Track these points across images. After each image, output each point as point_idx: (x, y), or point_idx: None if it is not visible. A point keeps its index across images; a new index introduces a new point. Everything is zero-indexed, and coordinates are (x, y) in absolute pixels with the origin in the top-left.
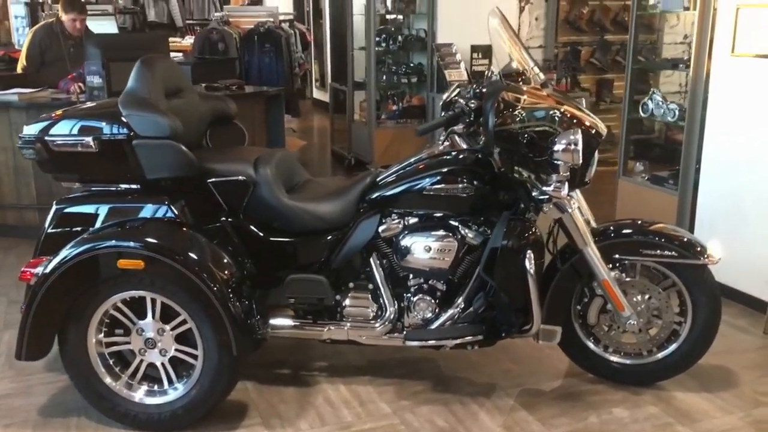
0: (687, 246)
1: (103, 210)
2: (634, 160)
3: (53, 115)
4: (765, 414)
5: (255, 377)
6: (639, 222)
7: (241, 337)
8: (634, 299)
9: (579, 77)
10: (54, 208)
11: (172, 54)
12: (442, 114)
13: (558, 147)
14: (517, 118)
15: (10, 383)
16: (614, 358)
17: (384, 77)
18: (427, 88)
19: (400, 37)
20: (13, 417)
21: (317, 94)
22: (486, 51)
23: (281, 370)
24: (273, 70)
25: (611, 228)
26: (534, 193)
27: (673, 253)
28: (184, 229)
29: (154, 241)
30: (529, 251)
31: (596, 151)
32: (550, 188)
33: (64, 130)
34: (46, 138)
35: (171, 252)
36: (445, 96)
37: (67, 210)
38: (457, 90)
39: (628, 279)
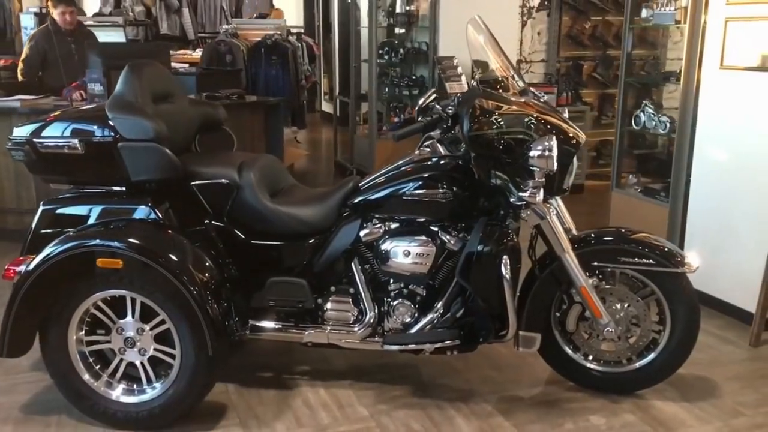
0: (665, 254)
1: (87, 211)
2: (628, 173)
3: (42, 118)
4: (743, 424)
5: (236, 379)
6: (620, 230)
7: (218, 339)
8: (613, 307)
9: (581, 92)
10: (41, 208)
11: (180, 65)
12: (419, 119)
13: (533, 153)
14: (493, 125)
15: None
16: (593, 366)
17: (386, 89)
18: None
19: (401, 50)
20: None
21: (325, 106)
22: (486, 65)
23: (263, 372)
24: (279, 82)
25: (591, 235)
26: (512, 200)
27: (651, 261)
28: (166, 230)
29: (133, 241)
30: (505, 257)
31: (574, 159)
32: (526, 194)
33: (51, 132)
34: (35, 140)
35: (149, 252)
36: (420, 101)
37: (54, 210)
38: (433, 96)
39: (607, 286)
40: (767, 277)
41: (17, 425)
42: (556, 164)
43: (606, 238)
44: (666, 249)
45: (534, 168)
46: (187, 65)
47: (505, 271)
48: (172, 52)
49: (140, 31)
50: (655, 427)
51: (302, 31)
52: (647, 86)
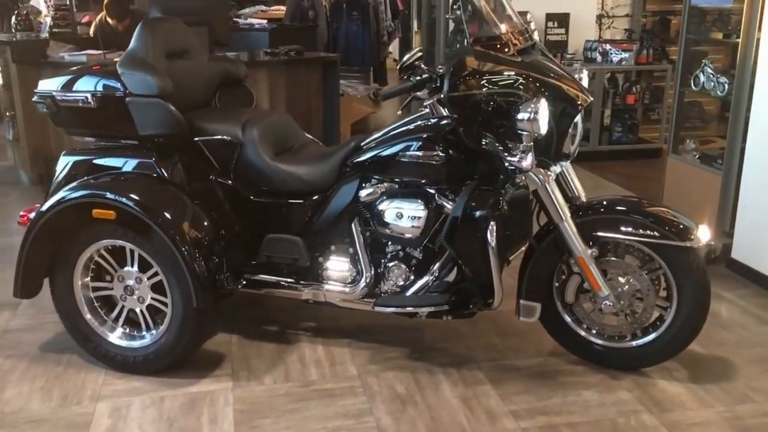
0: (672, 227)
1: (98, 162)
2: (686, 138)
3: (66, 72)
4: (747, 411)
5: (241, 331)
6: (630, 199)
7: (203, 292)
8: (617, 280)
9: (668, 49)
10: (61, 159)
11: (258, 21)
12: (402, 77)
13: (520, 116)
14: (475, 85)
15: (27, 320)
16: (596, 340)
17: (458, 46)
18: None
19: (470, 6)
20: (16, 349)
21: None
22: (562, 19)
23: (269, 326)
24: (359, 38)
25: (599, 203)
26: (505, 164)
27: (655, 233)
28: (164, 185)
29: (126, 194)
30: (492, 223)
31: (578, 123)
32: (516, 159)
33: (70, 86)
34: (54, 93)
35: (140, 205)
36: (405, 58)
37: (71, 161)
38: (419, 54)
39: (613, 258)
40: None
41: (32, 360)
42: (544, 128)
43: (611, 207)
44: (674, 221)
45: (521, 132)
46: (265, 21)
47: (491, 237)
48: (258, 7)
49: None
50: (649, 407)
51: None
52: (710, 43)
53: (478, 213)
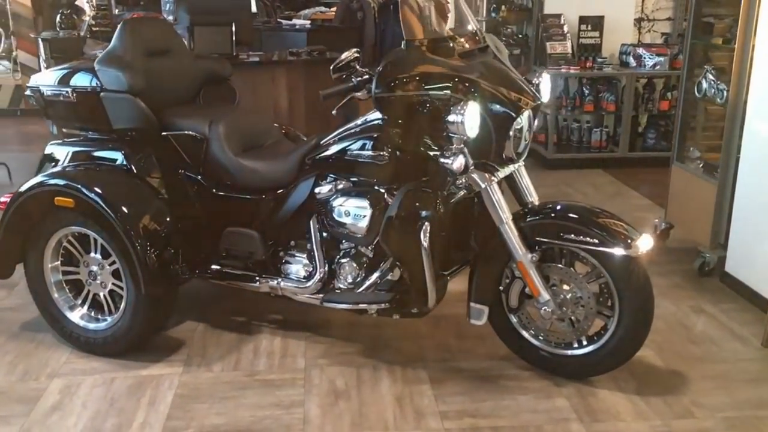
0: (612, 234)
1: (73, 154)
2: (690, 146)
3: (57, 67)
4: (683, 426)
5: (209, 321)
6: (581, 206)
7: (151, 280)
8: (561, 287)
9: (710, 54)
10: (46, 147)
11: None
12: (334, 77)
13: (449, 118)
14: (405, 86)
15: (16, 300)
16: (543, 346)
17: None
18: (531, 61)
19: (503, 7)
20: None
21: None
22: (596, 22)
23: (237, 318)
24: None
25: (549, 208)
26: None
27: (594, 240)
28: (127, 177)
29: (85, 184)
30: (426, 224)
31: (519, 127)
32: (448, 160)
33: (54, 81)
34: (41, 87)
35: (97, 195)
36: (341, 57)
37: (53, 150)
38: (355, 55)
39: (559, 265)
40: None
41: (10, 337)
42: (472, 130)
43: (560, 214)
44: (616, 230)
45: (451, 134)
46: (308, 22)
47: (424, 238)
48: (318, 8)
49: None
50: (582, 416)
51: None
52: (714, 49)
53: (412, 213)
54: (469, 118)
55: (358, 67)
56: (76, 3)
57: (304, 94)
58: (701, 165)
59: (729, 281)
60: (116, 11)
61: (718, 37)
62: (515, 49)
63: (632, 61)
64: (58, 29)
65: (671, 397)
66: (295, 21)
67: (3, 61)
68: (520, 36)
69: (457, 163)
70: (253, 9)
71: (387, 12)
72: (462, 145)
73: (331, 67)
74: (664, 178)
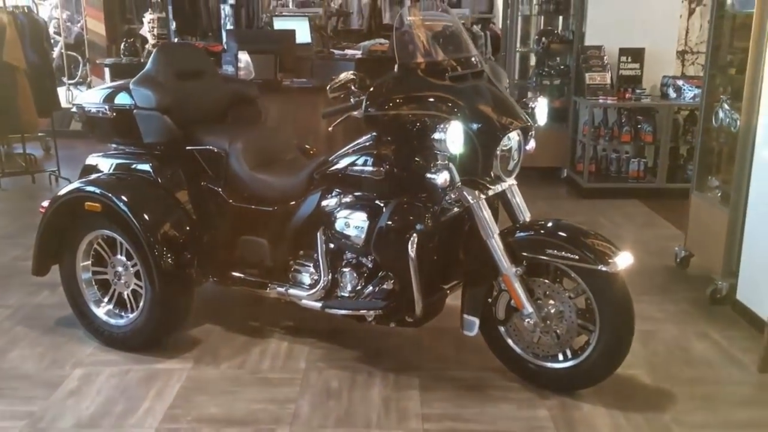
0: (594, 252)
1: (109, 165)
2: (709, 175)
3: (100, 87)
4: None
5: (227, 325)
6: (568, 225)
7: (167, 283)
8: (547, 301)
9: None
10: (87, 158)
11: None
12: (331, 96)
13: (434, 135)
14: (392, 107)
15: (57, 299)
16: (530, 359)
17: (534, 79)
18: (571, 91)
19: (544, 39)
20: (37, 320)
21: None
22: (636, 54)
23: (253, 323)
24: None
25: (539, 226)
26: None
27: (575, 256)
28: (153, 186)
29: (112, 191)
30: (414, 236)
31: (508, 147)
32: (434, 176)
33: (97, 99)
34: (84, 105)
35: (122, 202)
36: (338, 79)
37: (93, 161)
38: (352, 76)
39: (544, 280)
40: None
41: (44, 331)
42: (454, 148)
43: (548, 231)
44: (597, 248)
45: (436, 151)
46: (359, 52)
47: (411, 249)
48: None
49: (365, 22)
50: (559, 426)
51: (488, 18)
52: (731, 79)
53: (401, 225)
54: (451, 136)
55: (353, 87)
56: (140, 32)
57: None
58: (719, 194)
59: (739, 309)
60: (175, 40)
61: (733, 68)
62: (556, 80)
63: (672, 93)
64: (122, 56)
65: (652, 414)
66: (347, 51)
67: (81, 87)
68: (563, 67)
69: (442, 178)
70: (308, 39)
71: None
72: (446, 162)
73: (328, 87)
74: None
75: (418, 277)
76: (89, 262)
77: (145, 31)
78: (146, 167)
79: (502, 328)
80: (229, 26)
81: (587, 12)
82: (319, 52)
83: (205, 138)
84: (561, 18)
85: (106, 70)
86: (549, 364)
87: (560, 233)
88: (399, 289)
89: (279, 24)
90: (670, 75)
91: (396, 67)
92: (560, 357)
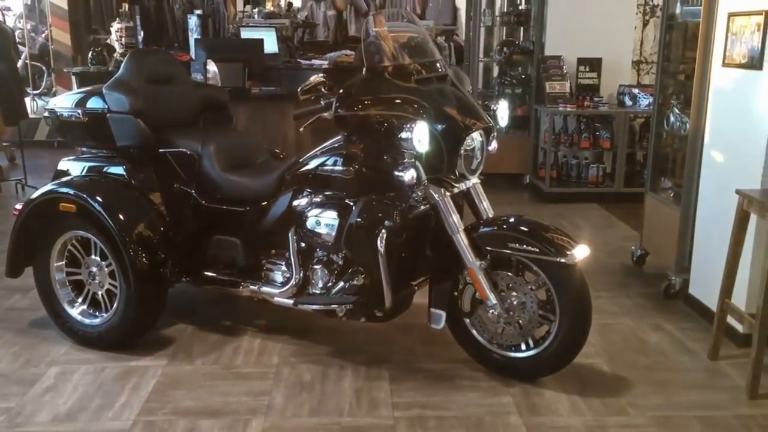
0: (553, 244)
1: (82, 168)
2: (662, 177)
3: (73, 92)
4: (615, 422)
5: (200, 324)
6: (529, 220)
7: (142, 281)
8: (510, 293)
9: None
10: (60, 162)
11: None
12: (301, 98)
13: (401, 135)
14: (362, 106)
15: (30, 302)
16: (494, 349)
17: (497, 88)
18: (532, 100)
19: (506, 49)
20: (11, 322)
21: None
22: (594, 64)
23: (226, 321)
24: None
25: (501, 221)
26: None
27: (535, 249)
28: (126, 188)
29: (86, 192)
30: (383, 231)
31: (471, 146)
32: (401, 173)
33: (69, 103)
34: (56, 109)
35: (97, 203)
36: (308, 81)
37: (66, 165)
38: (322, 79)
39: (507, 273)
40: (723, 286)
41: (18, 332)
42: (421, 146)
43: (510, 226)
44: (556, 241)
45: (403, 150)
46: (325, 62)
47: (380, 244)
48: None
49: (330, 34)
50: (522, 410)
51: (451, 30)
52: (681, 86)
53: (370, 221)
54: (417, 135)
55: (323, 90)
56: (107, 41)
57: (310, 126)
58: (671, 194)
59: (691, 302)
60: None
61: (683, 75)
62: (518, 89)
63: (628, 101)
64: (89, 65)
65: (609, 398)
66: (314, 61)
67: (45, 97)
68: (524, 76)
69: (409, 175)
70: (275, 49)
71: None
72: (413, 160)
73: (299, 89)
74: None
75: (387, 272)
76: (63, 263)
77: (113, 40)
78: (119, 170)
79: (467, 321)
80: (196, 36)
81: (547, 23)
82: (287, 62)
83: (178, 141)
84: (522, 29)
85: (74, 79)
86: (512, 354)
87: (521, 228)
88: (369, 284)
89: (246, 34)
90: (626, 84)
91: (364, 70)
92: (523, 347)
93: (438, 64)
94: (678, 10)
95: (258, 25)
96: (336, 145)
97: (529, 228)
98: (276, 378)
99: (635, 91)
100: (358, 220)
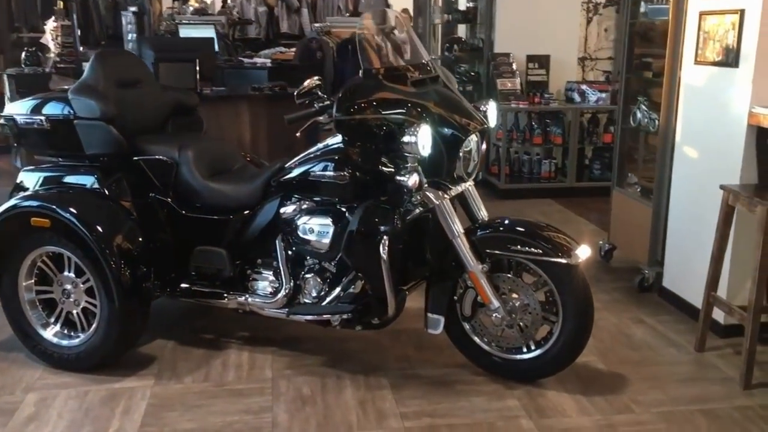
0: (554, 245)
1: (50, 177)
2: (629, 172)
3: (31, 97)
4: (623, 420)
5: (179, 338)
6: (527, 221)
7: (126, 297)
8: (510, 295)
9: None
10: (20, 174)
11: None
12: (297, 102)
13: (404, 138)
14: (362, 110)
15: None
16: (495, 352)
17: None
18: (483, 97)
19: (456, 46)
20: None
21: None
22: (543, 61)
23: (206, 335)
24: None
25: (498, 223)
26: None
27: (538, 250)
28: (101, 199)
29: (61, 205)
30: (385, 238)
31: (472, 147)
32: (404, 178)
33: (28, 110)
34: (15, 116)
35: (73, 215)
36: (305, 84)
37: (28, 176)
38: (318, 82)
39: (508, 275)
40: (709, 280)
41: None
42: (424, 149)
43: (508, 227)
44: (557, 241)
45: (406, 154)
46: (269, 61)
47: (383, 251)
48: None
49: (261, 31)
50: (530, 413)
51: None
52: (646, 83)
53: (371, 228)
54: (422, 139)
55: (320, 93)
56: (41, 41)
57: (266, 127)
58: (638, 189)
59: (666, 295)
60: (81, 48)
61: (650, 72)
62: (468, 86)
63: (577, 97)
64: (23, 66)
65: (612, 396)
66: (256, 60)
67: None
68: (473, 74)
69: (412, 180)
70: (215, 48)
71: (345, 52)
72: (416, 164)
73: (295, 93)
74: (609, 206)
75: (391, 279)
76: (32, 281)
77: (48, 39)
78: (89, 180)
79: (466, 325)
80: (132, 34)
81: (496, 21)
82: (228, 61)
83: (152, 147)
84: (468, 26)
85: (6, 81)
86: (515, 356)
87: (520, 229)
88: (371, 291)
89: (184, 32)
90: (573, 80)
91: (361, 72)
92: (524, 349)
93: (429, 65)
94: (642, 8)
95: (197, 22)
96: (327, 149)
97: (527, 229)
98: (274, 393)
99: (584, 87)
100: (360, 227)
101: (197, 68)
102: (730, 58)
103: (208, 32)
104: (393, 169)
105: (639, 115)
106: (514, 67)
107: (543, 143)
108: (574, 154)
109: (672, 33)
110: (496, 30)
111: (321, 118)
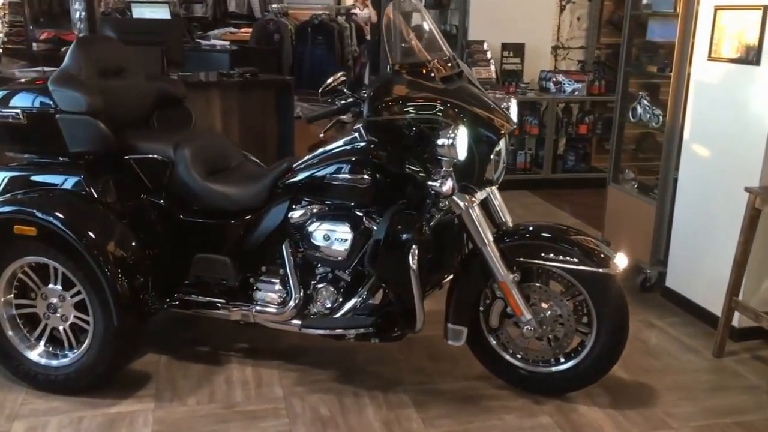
0: (590, 254)
1: (29, 178)
2: (625, 168)
3: (1, 89)
4: None
5: (173, 352)
6: (555, 227)
7: (124, 311)
8: (541, 305)
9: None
10: None
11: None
12: (324, 100)
13: (439, 141)
14: (397, 110)
15: None
16: (521, 365)
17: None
18: None
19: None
20: None
21: None
22: (517, 49)
23: (202, 347)
24: (324, 62)
25: (524, 230)
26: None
27: (574, 259)
28: (89, 202)
29: (49, 210)
30: (414, 247)
31: (501, 149)
32: (437, 183)
33: (1, 102)
34: None
35: (63, 222)
36: (329, 81)
37: (2, 177)
38: (342, 78)
39: (537, 284)
40: (731, 284)
41: None
42: (462, 153)
43: (537, 234)
44: (593, 249)
45: (441, 157)
46: (228, 43)
47: (413, 261)
48: (227, 29)
49: (209, 9)
50: (566, 430)
51: (349, 10)
52: (647, 77)
53: (400, 237)
54: (460, 142)
55: (345, 90)
56: None
57: (239, 116)
58: (636, 186)
59: (670, 295)
60: (31, 28)
61: (654, 65)
62: None
63: (552, 87)
64: None
65: (645, 410)
66: (214, 42)
67: None
68: None
69: (447, 186)
70: None
71: (305, 35)
72: (451, 169)
73: (320, 91)
74: (587, 199)
75: (419, 289)
76: (12, 296)
77: None
78: (77, 180)
79: (490, 337)
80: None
81: (470, 8)
82: (186, 43)
83: (144, 145)
84: (438, 12)
85: None
86: (543, 369)
87: (548, 235)
88: (398, 303)
89: (138, 11)
90: (547, 69)
91: (388, 68)
92: (553, 361)
93: (451, 60)
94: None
95: (150, 0)
96: (342, 150)
97: (556, 235)
98: (290, 415)
99: (560, 77)
100: (387, 235)
101: (163, 52)
102: (751, 56)
103: (162, 11)
104: (423, 173)
105: (640, 110)
106: (489, 55)
107: (518, 134)
108: (550, 144)
109: (681, 27)
110: (471, 16)
111: (344, 117)
